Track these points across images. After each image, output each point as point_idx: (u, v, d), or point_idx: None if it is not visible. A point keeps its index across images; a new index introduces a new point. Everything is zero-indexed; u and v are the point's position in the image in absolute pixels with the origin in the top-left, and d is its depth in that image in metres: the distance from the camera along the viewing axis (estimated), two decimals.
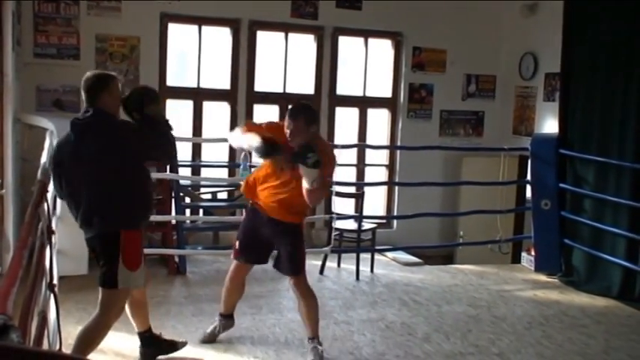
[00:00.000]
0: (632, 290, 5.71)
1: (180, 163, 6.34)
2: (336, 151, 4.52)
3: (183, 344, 4.12)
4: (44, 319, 2.99)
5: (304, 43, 7.25)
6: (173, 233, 6.12)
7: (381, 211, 7.67)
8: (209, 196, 6.91)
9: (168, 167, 5.97)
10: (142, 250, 3.62)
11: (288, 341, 4.50)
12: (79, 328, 3.66)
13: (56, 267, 3.61)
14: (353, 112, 7.53)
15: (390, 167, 7.67)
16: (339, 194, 6.27)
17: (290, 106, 4.15)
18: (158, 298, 5.12)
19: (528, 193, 6.72)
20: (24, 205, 4.71)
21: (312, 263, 5.33)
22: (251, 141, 3.82)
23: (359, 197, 6.35)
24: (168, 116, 4.06)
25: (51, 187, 3.75)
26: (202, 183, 6.73)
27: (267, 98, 7.14)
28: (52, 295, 3.20)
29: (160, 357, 4.04)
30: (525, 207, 6.87)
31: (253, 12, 6.86)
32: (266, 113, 7.11)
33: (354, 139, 7.34)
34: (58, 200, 4.18)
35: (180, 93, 6.90)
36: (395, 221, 7.58)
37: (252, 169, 4.75)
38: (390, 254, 6.87)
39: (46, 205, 3.37)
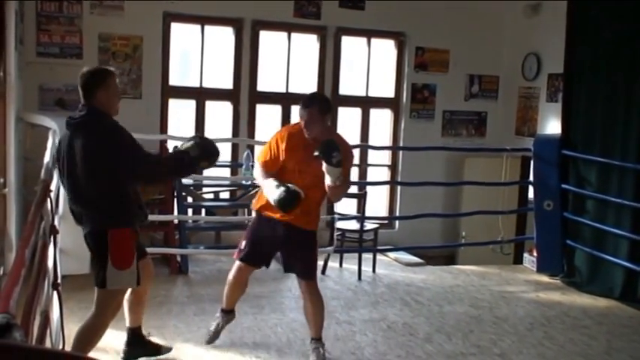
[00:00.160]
0: (635, 291, 5.70)
1: None
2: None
3: (168, 349, 4.08)
4: (47, 318, 2.99)
5: (307, 43, 7.24)
6: (175, 233, 6.13)
7: (384, 212, 7.66)
8: (211, 196, 6.91)
9: None
10: (133, 249, 3.49)
11: (290, 341, 4.50)
12: None
13: (59, 266, 3.61)
14: (355, 112, 7.52)
15: (393, 167, 7.66)
16: None
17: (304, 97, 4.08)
18: (160, 298, 5.13)
19: (531, 194, 6.70)
20: (26, 204, 4.70)
21: None
22: (270, 194, 3.81)
23: (361, 197, 6.35)
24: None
25: (54, 186, 3.75)
26: (205, 182, 6.72)
27: (270, 98, 7.14)
28: (56, 294, 3.20)
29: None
30: (527, 208, 6.86)
31: (256, 12, 6.85)
32: (268, 113, 7.12)
33: (356, 139, 7.30)
34: (61, 199, 4.18)
35: (183, 92, 6.90)
36: (397, 221, 7.57)
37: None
38: (392, 254, 6.87)
39: (49, 204, 3.37)
